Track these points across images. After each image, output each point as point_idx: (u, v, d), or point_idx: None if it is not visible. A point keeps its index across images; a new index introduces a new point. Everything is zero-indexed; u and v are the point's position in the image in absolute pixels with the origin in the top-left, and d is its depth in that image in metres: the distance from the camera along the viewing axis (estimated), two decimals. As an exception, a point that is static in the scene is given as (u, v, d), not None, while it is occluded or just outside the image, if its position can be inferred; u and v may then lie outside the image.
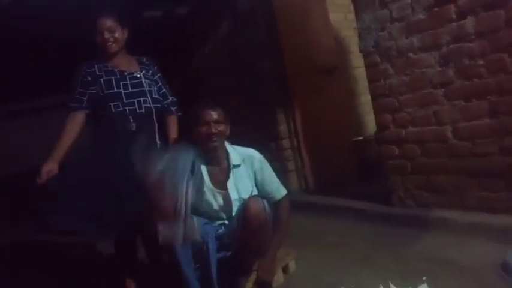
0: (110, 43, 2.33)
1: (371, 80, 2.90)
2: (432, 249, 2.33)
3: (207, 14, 4.75)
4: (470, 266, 2.02)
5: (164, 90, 2.50)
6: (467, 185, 2.49)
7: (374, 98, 2.91)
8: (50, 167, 2.17)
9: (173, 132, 2.49)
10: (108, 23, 2.31)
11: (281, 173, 2.71)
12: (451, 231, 2.44)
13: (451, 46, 2.41)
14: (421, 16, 2.52)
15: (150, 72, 2.46)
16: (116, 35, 2.34)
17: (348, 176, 3.89)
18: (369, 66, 2.89)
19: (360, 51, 2.97)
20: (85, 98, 2.31)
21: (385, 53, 2.75)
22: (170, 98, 2.52)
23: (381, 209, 2.97)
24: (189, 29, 5.01)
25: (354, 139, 4.30)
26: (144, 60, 2.50)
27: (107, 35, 2.31)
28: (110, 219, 2.27)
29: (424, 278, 1.75)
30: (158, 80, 2.49)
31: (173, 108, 2.53)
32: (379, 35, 2.75)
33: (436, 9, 2.45)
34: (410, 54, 2.61)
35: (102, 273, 2.89)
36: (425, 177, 2.71)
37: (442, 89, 2.49)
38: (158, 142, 2.44)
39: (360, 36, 2.90)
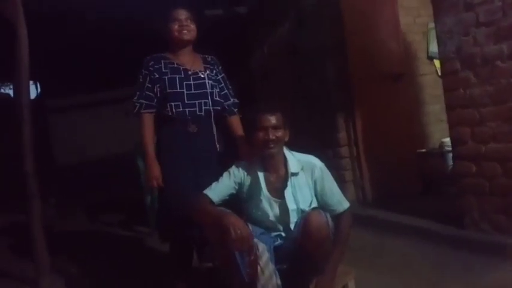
0: (185, 30, 2.33)
1: (448, 89, 2.68)
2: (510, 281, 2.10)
3: (269, 13, 4.66)
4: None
5: (226, 91, 2.46)
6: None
7: (450, 108, 2.68)
8: (157, 172, 2.25)
9: (239, 131, 2.44)
10: (186, 13, 2.35)
11: (337, 183, 2.54)
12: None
13: (547, 55, 2.15)
14: (514, 21, 2.27)
15: (214, 72, 2.43)
16: (192, 26, 2.36)
17: (409, 190, 3.69)
18: (448, 73, 2.67)
19: (428, 57, 2.75)
20: (154, 96, 2.30)
21: (467, 60, 2.53)
22: (232, 100, 2.47)
23: (450, 230, 2.74)
24: (250, 27, 4.94)
25: (418, 151, 4.03)
26: (209, 59, 2.47)
27: (185, 21, 2.33)
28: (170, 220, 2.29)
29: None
30: (221, 80, 2.45)
31: (235, 110, 2.47)
32: (462, 40, 2.54)
33: (532, 13, 2.20)
34: (498, 63, 2.38)
35: (155, 271, 2.87)
36: (505, 199, 2.46)
37: (533, 103, 2.24)
38: (217, 145, 2.39)
39: (438, 41, 2.70)
